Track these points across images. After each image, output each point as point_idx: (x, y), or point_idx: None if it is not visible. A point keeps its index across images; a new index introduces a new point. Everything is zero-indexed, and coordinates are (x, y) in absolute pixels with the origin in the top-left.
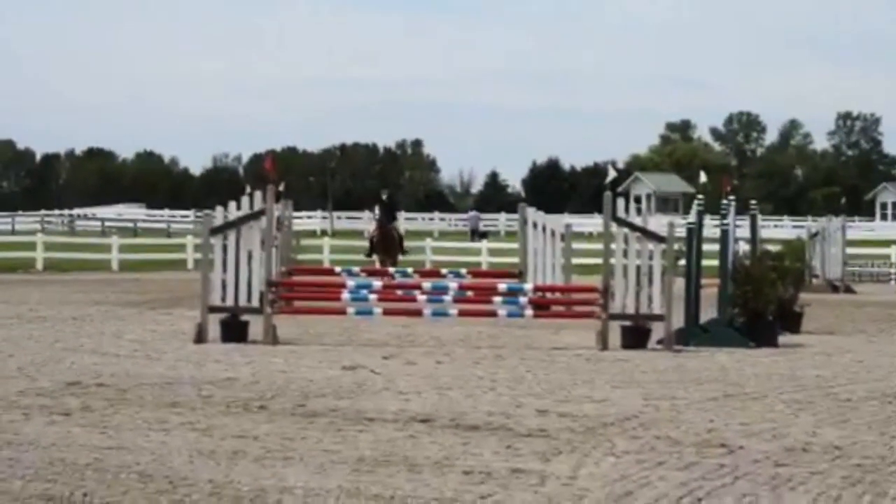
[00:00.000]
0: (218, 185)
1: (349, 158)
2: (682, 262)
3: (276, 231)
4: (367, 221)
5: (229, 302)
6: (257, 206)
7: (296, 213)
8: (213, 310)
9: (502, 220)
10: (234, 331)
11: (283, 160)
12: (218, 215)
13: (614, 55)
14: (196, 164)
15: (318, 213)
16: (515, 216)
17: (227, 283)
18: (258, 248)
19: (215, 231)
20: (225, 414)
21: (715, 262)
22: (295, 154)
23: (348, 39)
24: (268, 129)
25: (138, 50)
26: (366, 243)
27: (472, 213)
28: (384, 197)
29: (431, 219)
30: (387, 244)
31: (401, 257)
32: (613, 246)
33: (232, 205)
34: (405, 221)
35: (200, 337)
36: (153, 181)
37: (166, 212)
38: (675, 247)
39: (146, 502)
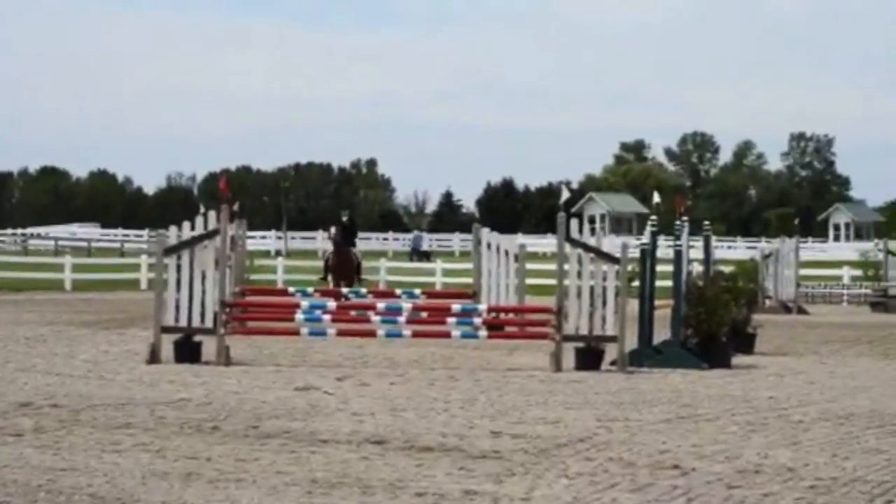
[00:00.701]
0: (172, 204)
1: (303, 178)
2: (636, 283)
3: (230, 251)
4: (322, 241)
5: (182, 322)
6: (211, 225)
7: (250, 233)
8: (167, 330)
9: (456, 241)
10: (188, 351)
11: (238, 179)
12: (172, 235)
13: (569, 74)
14: (150, 183)
15: (272, 233)
16: (469, 236)
17: (180, 304)
18: (212, 268)
19: (169, 251)
20: (178, 435)
21: (668, 283)
22: (249, 173)
23: (304, 58)
24: (222, 148)
25: (90, 68)
26: (320, 264)
27: (416, 234)
28: (344, 219)
29: (386, 239)
30: (343, 268)
31: (355, 285)
32: (567, 267)
33: (186, 224)
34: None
35: (154, 357)
36: (107, 200)
37: (120, 231)
38: (629, 268)
39: None
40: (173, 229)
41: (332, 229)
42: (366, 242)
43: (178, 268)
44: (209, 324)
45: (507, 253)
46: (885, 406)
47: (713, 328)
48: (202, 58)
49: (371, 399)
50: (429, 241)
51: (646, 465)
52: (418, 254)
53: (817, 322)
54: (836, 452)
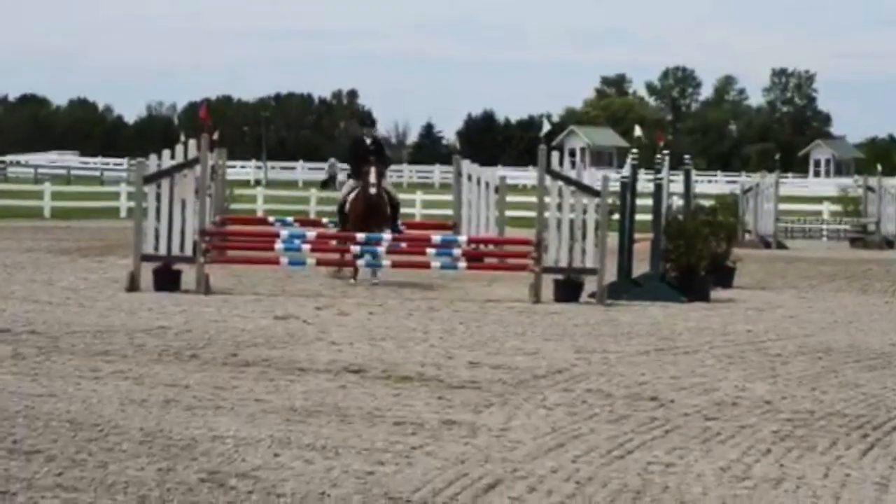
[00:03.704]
0: (152, 133)
1: (284, 108)
2: (616, 216)
3: (210, 180)
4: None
5: (162, 251)
6: (191, 154)
7: (230, 163)
8: (146, 258)
9: (437, 172)
10: (167, 280)
11: (218, 109)
12: (151, 164)
13: (551, 7)
14: (130, 112)
15: (252, 162)
16: (450, 168)
17: (160, 232)
18: (192, 197)
19: (149, 179)
20: (157, 363)
21: (648, 217)
22: (229, 103)
23: None
24: (203, 78)
25: None
26: (302, 194)
27: (331, 161)
28: (368, 140)
29: None
30: (375, 216)
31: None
32: (548, 199)
33: (166, 153)
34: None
35: (133, 285)
36: (87, 129)
37: (100, 160)
38: (609, 201)
39: (76, 450)
40: (153, 158)
41: (352, 158)
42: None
43: (158, 196)
44: (189, 252)
45: (487, 185)
46: (863, 341)
47: (692, 262)
48: None
49: (350, 329)
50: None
51: (624, 397)
52: (332, 182)
53: (796, 257)
54: (814, 386)
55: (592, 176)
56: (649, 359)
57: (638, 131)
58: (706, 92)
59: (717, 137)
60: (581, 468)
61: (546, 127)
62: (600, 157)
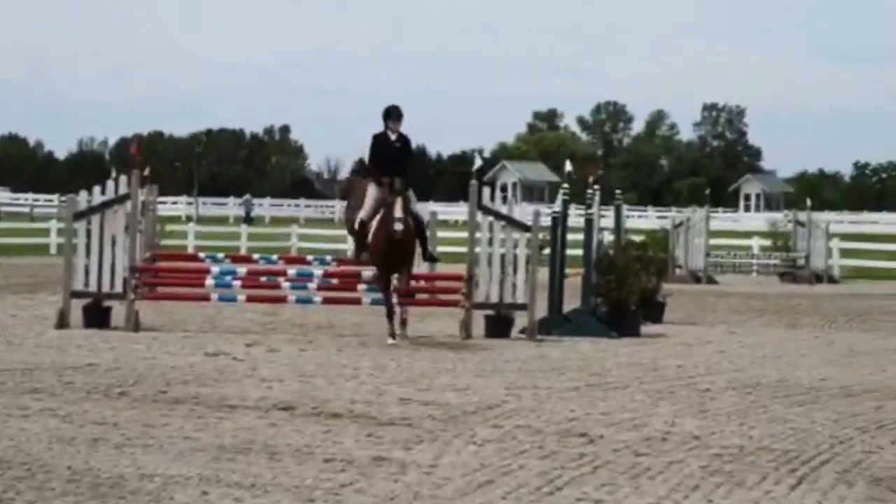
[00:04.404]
0: (83, 169)
1: (216, 143)
2: (547, 251)
3: (141, 216)
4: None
5: (92, 287)
6: (122, 190)
7: (161, 198)
8: (76, 295)
9: None
10: (97, 316)
11: (149, 144)
12: (82, 200)
13: (483, 40)
14: (61, 148)
15: (184, 198)
16: None
17: (90, 269)
18: (122, 233)
19: (79, 216)
20: (86, 400)
21: (579, 252)
22: (161, 138)
23: (217, 21)
24: (134, 113)
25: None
26: (235, 229)
27: (246, 197)
28: (392, 137)
29: (297, 205)
30: (401, 256)
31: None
32: (479, 234)
33: (97, 189)
34: (271, 208)
35: (62, 322)
36: (17, 164)
37: (30, 195)
38: (540, 236)
39: (4, 488)
40: (83, 194)
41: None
42: (277, 209)
43: (88, 233)
44: (119, 289)
45: None
46: (792, 375)
47: (623, 297)
48: (115, 21)
49: (280, 365)
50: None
51: (554, 433)
52: (247, 218)
53: (726, 292)
54: (743, 421)
55: (523, 211)
56: (579, 394)
57: (569, 166)
58: (637, 126)
59: (648, 172)
60: None
61: (478, 162)
62: (532, 192)
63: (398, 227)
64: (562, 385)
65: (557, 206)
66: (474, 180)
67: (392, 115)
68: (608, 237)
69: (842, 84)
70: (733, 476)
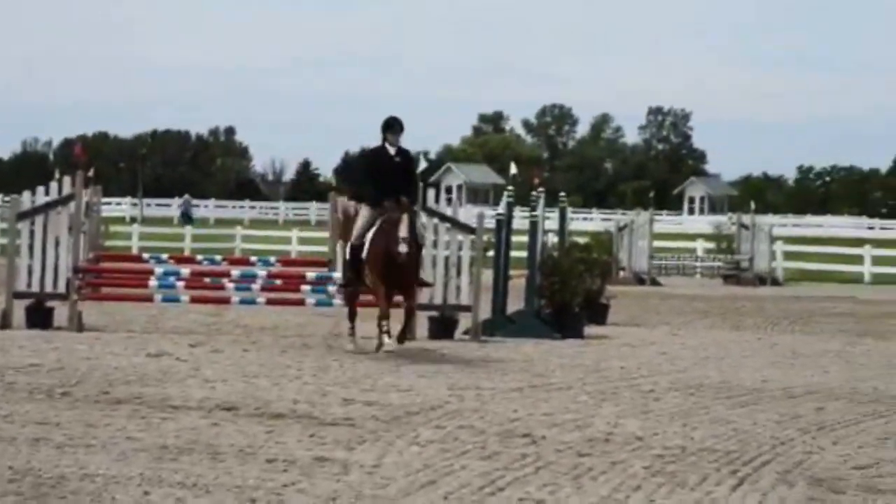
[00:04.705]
0: (27, 170)
1: (161, 145)
2: (491, 253)
3: (85, 217)
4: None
5: (35, 288)
6: (66, 191)
7: (105, 199)
8: (18, 296)
9: (313, 209)
10: (39, 317)
11: (94, 146)
12: (25, 200)
13: (430, 42)
14: (5, 148)
15: (128, 199)
16: (326, 205)
17: (33, 269)
18: (66, 233)
19: (22, 216)
20: (28, 400)
21: (524, 254)
22: (106, 139)
23: (163, 23)
24: (79, 114)
25: None
26: (181, 231)
27: (186, 198)
28: (392, 151)
29: (242, 207)
30: (402, 278)
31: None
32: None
33: (40, 190)
34: (215, 210)
35: (5, 323)
36: None
37: None
38: (485, 238)
39: None
40: (27, 194)
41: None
42: (222, 210)
43: (32, 233)
44: (62, 289)
45: None
46: (734, 377)
47: (567, 298)
48: (60, 23)
49: (223, 366)
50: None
51: (496, 434)
52: (187, 218)
53: (670, 294)
54: (685, 422)
55: (468, 213)
56: (522, 395)
57: (513, 168)
58: (583, 129)
59: (593, 175)
60: None
61: (423, 164)
62: (476, 195)
63: (402, 248)
64: (505, 386)
65: (502, 209)
66: (419, 182)
67: (392, 127)
68: (552, 239)
69: (786, 89)
70: (675, 476)
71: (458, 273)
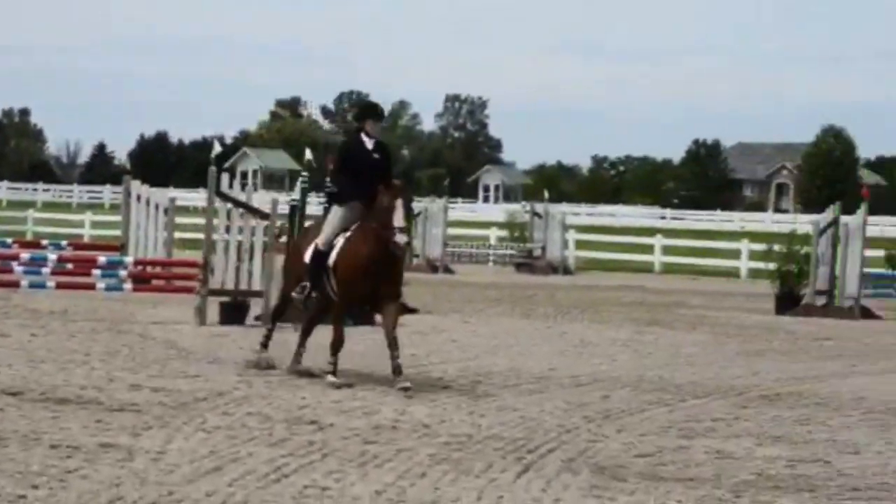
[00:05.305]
0: None
1: None
2: (285, 238)
3: None
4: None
5: None
6: None
7: None
8: None
9: (107, 193)
10: None
11: None
12: None
13: (229, 25)
14: None
15: None
16: (120, 189)
17: None
18: None
19: None
20: None
21: None
22: None
23: None
24: None
25: None
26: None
27: None
28: (369, 144)
29: (36, 189)
30: (389, 278)
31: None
32: (216, 221)
33: None
34: (8, 192)
35: None
36: None
37: None
38: (279, 223)
39: None
40: None
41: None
42: (14, 193)
43: None
44: None
45: (157, 206)
46: (523, 365)
47: None
48: None
49: (9, 350)
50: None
51: (284, 420)
52: None
53: (462, 281)
54: (473, 410)
55: (262, 199)
56: (311, 382)
57: (309, 154)
58: None
59: None
60: (237, 492)
61: (217, 149)
62: (272, 180)
63: (401, 238)
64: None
65: (296, 194)
66: (213, 167)
67: (372, 114)
68: None
69: (581, 79)
70: (461, 464)
71: (251, 258)
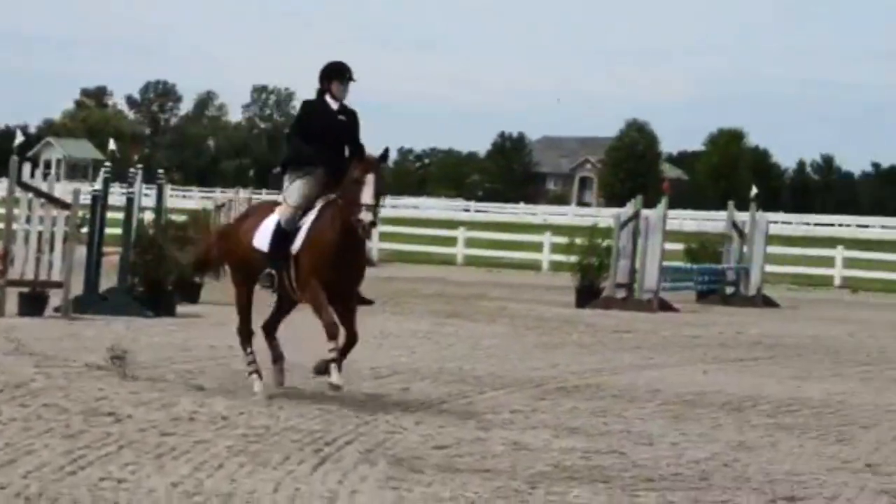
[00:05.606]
0: None
1: None
2: (86, 229)
3: None
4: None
5: None
6: None
7: None
8: None
9: None
10: None
11: None
12: None
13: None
14: None
15: None
16: None
17: None
18: None
19: None
20: None
21: (120, 231)
22: None
23: None
24: None
25: None
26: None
27: None
28: (335, 106)
29: None
30: (355, 265)
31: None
32: (17, 211)
33: None
34: None
35: None
36: None
37: None
38: (80, 214)
39: None
40: None
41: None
42: None
43: None
44: None
45: None
46: (321, 356)
47: (160, 276)
48: None
49: None
50: None
51: (80, 412)
52: None
53: None
54: (272, 402)
55: (64, 188)
56: (109, 374)
57: (112, 145)
58: (186, 107)
59: (195, 152)
60: (31, 484)
61: (20, 138)
62: (76, 170)
63: (366, 217)
64: (92, 364)
65: (98, 185)
66: (15, 156)
67: (338, 76)
68: (150, 216)
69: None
70: (258, 456)
71: (51, 249)
